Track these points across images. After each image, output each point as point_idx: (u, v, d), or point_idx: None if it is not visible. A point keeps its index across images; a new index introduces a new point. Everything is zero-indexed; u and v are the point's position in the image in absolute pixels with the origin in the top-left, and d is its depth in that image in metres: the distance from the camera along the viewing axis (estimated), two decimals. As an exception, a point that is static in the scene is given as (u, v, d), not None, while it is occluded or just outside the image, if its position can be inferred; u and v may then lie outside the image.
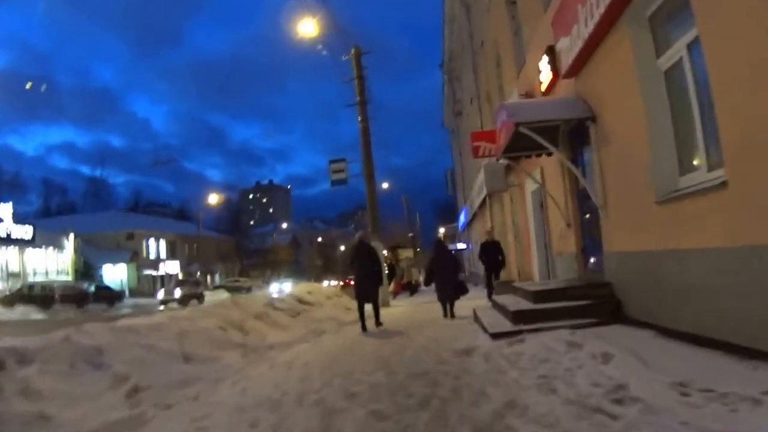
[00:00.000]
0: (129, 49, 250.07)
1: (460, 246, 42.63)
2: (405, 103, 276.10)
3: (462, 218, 38.46)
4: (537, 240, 14.08)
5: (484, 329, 8.37)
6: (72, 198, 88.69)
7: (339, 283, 59.00)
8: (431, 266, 13.12)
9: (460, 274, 14.25)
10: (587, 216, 9.93)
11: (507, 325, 7.95)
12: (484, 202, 23.60)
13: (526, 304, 8.32)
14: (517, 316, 7.83)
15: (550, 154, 10.82)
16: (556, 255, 11.71)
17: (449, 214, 64.51)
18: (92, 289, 40.52)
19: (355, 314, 11.84)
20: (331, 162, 20.51)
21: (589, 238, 9.84)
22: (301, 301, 13.35)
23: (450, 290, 12.65)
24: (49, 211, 79.95)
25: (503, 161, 16.01)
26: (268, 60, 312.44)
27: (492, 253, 15.65)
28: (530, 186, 14.12)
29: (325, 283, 61.20)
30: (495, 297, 10.81)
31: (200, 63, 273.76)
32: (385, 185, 46.40)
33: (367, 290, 11.35)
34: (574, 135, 9.95)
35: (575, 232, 10.34)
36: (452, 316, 12.34)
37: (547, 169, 11.60)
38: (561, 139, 10.48)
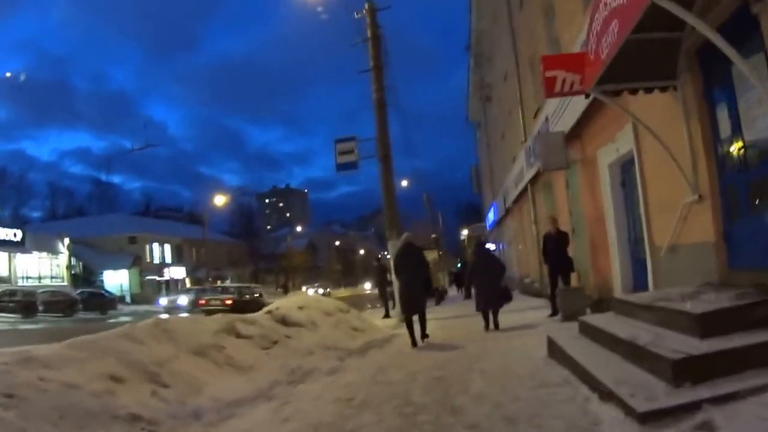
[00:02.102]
0: (144, 54, 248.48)
1: (488, 247, 38.50)
2: (425, 106, 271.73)
3: (491, 216, 34.27)
4: (619, 232, 10.00)
5: (600, 390, 4.25)
6: (79, 202, 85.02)
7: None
8: (473, 272, 11.69)
9: (504, 279, 12.33)
10: (740, 178, 5.90)
11: (657, 387, 3.79)
12: (525, 191, 19.47)
13: (684, 341, 4.12)
14: (684, 369, 3.74)
15: (664, 89, 6.88)
16: (666, 250, 7.62)
17: (473, 216, 61.49)
18: (84, 295, 37.90)
19: (365, 338, 10.23)
20: (338, 142, 16.42)
21: (748, 213, 5.80)
22: (284, 321, 9.32)
23: (494, 298, 11.27)
24: (55, 215, 76.71)
25: (561, 130, 12.07)
26: (287, 63, 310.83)
27: (557, 249, 11.77)
28: (607, 156, 10.05)
29: (312, 291, 56.26)
30: (589, 319, 6.62)
31: (217, 67, 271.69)
32: (404, 183, 43.15)
33: (415, 300, 10.09)
34: (705, 53, 5.99)
35: (713, 207, 6.29)
36: (496, 326, 11.09)
37: (652, 117, 7.48)
38: (684, 62, 6.53)
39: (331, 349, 8.85)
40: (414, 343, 9.71)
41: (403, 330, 12.48)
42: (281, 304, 11.04)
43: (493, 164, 32.38)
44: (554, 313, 11.78)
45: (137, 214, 76.77)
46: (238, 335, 7.66)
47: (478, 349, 8.33)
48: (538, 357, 6.67)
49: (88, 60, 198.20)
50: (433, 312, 19.80)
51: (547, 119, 13.47)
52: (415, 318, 10.07)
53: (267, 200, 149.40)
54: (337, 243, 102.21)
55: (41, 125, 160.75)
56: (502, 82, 24.65)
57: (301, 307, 10.56)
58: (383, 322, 14.96)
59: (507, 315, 13.19)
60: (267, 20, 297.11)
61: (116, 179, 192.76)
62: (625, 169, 9.73)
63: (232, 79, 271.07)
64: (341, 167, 16.29)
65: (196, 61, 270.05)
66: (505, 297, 11.79)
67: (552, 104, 12.82)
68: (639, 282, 9.48)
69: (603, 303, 10.89)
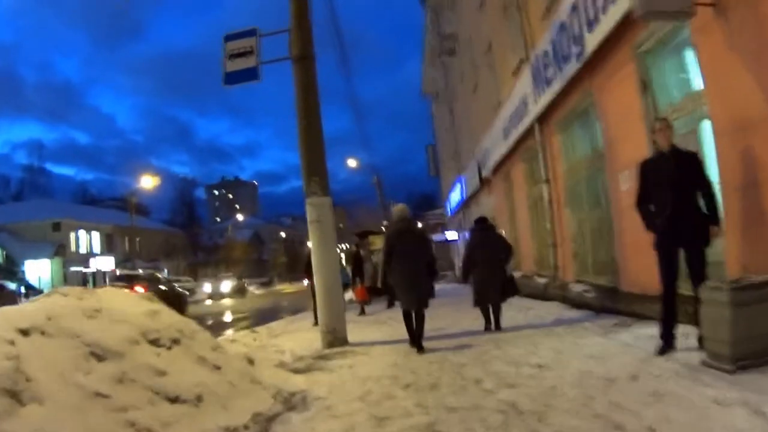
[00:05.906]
0: (91, 43, 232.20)
1: (451, 235, 31.88)
2: (376, 100, 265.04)
3: (455, 197, 27.45)
4: None
5: None
6: (16, 190, 74.98)
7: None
8: (470, 255, 8.37)
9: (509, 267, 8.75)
10: None
11: None
12: (525, 138, 12.72)
13: None
14: None
15: None
16: None
17: (427, 206, 57.00)
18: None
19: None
20: (227, 39, 9.30)
21: None
22: None
23: (498, 290, 8.09)
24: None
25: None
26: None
27: (682, 193, 4.79)
28: None
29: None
30: None
31: (165, 57, 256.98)
32: (353, 163, 37.69)
33: (419, 292, 7.06)
34: None
35: None
36: (497, 327, 8.00)
37: None
38: None
39: None
40: (412, 341, 7.08)
41: (335, 375, 5.82)
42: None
43: (458, 133, 25.68)
44: (668, 344, 4.92)
45: (73, 203, 67.69)
46: None
47: None
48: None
49: (35, 50, 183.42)
50: (384, 317, 12.54)
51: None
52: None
53: (216, 192, 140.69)
54: (284, 234, 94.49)
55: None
56: (476, 14, 17.94)
57: (25, 332, 3.59)
58: (308, 336, 8.46)
59: (530, 345, 6.54)
60: (213, 9, 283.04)
61: (67, 171, 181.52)
62: None
63: (180, 69, 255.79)
64: (231, 79, 9.19)
65: (142, 51, 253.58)
66: (511, 289, 8.53)
67: None
68: None
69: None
